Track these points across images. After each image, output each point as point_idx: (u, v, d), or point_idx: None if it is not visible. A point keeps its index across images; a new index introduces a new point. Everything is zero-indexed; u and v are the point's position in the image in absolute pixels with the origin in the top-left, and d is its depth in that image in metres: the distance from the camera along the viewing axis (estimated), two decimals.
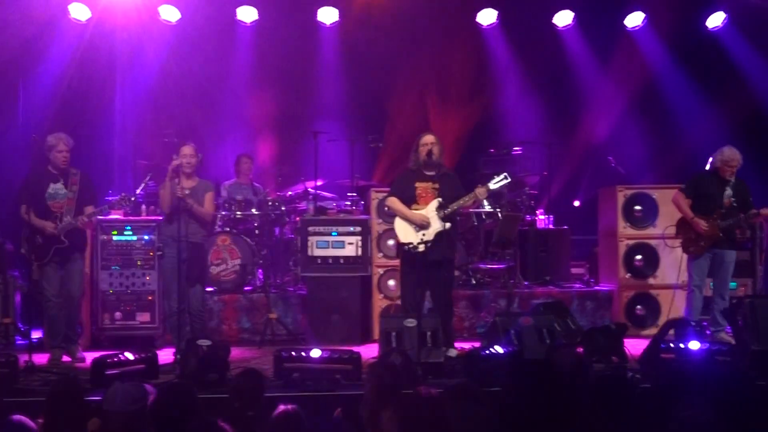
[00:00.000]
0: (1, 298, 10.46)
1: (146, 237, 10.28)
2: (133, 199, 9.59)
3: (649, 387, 7.00)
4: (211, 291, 10.92)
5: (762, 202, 9.91)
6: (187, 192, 9.00)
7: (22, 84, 12.98)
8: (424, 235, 8.73)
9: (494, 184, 9.03)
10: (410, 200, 8.98)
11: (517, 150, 12.98)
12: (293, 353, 8.08)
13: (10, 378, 7.69)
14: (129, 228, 10.39)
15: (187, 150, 9.20)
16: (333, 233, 10.59)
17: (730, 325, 9.49)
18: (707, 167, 10.06)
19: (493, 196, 11.77)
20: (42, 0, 12.57)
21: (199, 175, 9.52)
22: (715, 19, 13.93)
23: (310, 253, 10.57)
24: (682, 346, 8.09)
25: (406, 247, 8.81)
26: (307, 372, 7.86)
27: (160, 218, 9.69)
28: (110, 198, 9.88)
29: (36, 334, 9.62)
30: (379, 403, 5.64)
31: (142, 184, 11.35)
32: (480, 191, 8.92)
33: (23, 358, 8.26)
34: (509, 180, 9.17)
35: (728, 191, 9.86)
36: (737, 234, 10.20)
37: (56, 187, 9.07)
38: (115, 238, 10.36)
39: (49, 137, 9.15)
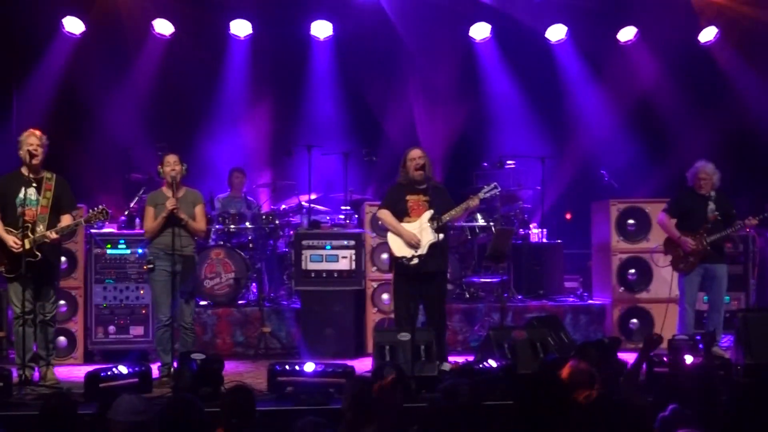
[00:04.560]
0: None
1: (140, 250, 10.20)
2: (108, 214, 8.76)
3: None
4: (204, 304, 10.93)
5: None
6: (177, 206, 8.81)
7: (16, 96, 12.98)
8: (418, 247, 8.77)
9: (485, 194, 9.13)
10: (402, 213, 8.99)
11: (510, 164, 13.00)
12: (287, 367, 8.10)
13: (3, 392, 7.67)
14: (123, 242, 10.38)
15: (171, 158, 8.93)
16: (327, 247, 10.60)
17: None
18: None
19: (487, 210, 11.82)
20: (36, 13, 12.60)
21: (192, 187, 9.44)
22: (707, 34, 13.97)
23: (303, 266, 10.57)
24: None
25: (400, 260, 8.84)
26: (300, 385, 7.87)
27: None
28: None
29: None
30: (358, 419, 5.65)
31: (136, 198, 11.35)
32: (472, 201, 8.96)
33: (16, 371, 8.24)
34: (499, 189, 9.30)
35: (711, 205, 9.89)
36: (730, 248, 10.23)
37: (29, 192, 8.33)
38: (108, 251, 10.34)
39: (22, 134, 8.50)
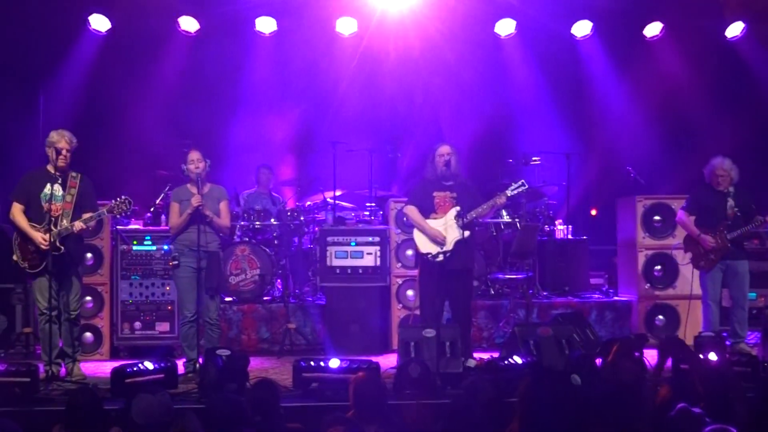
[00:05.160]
0: (22, 308, 10.53)
1: (166, 247, 10.20)
2: (131, 204, 8.65)
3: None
4: (230, 301, 10.97)
5: None
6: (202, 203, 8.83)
7: (43, 93, 13.05)
8: (443, 244, 8.75)
9: (512, 191, 9.05)
10: (429, 210, 8.98)
11: (535, 160, 12.95)
12: (312, 363, 8.09)
13: (30, 387, 7.71)
14: (149, 238, 10.44)
15: (195, 155, 8.95)
16: (352, 243, 10.61)
17: None
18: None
19: (512, 207, 11.78)
20: (62, 11, 12.67)
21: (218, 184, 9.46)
22: (735, 29, 13.86)
23: (328, 263, 10.58)
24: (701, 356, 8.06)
25: (426, 256, 8.83)
26: (325, 382, 7.87)
27: None
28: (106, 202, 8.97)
29: None
30: (361, 417, 5.65)
31: (162, 194, 11.41)
32: (499, 198, 8.93)
33: (43, 367, 8.30)
34: (526, 187, 9.20)
35: (730, 202, 9.85)
36: (757, 244, 10.14)
37: (55, 188, 8.41)
38: (134, 247, 10.40)
39: (51, 133, 8.60)
